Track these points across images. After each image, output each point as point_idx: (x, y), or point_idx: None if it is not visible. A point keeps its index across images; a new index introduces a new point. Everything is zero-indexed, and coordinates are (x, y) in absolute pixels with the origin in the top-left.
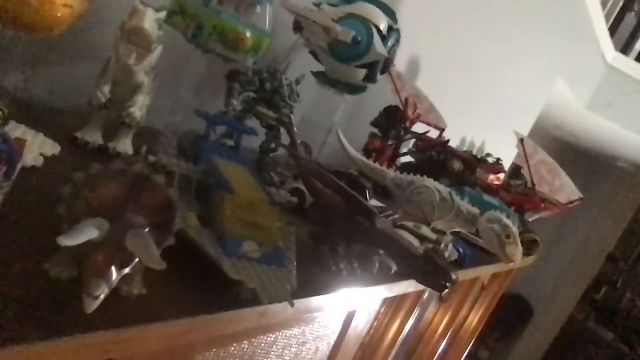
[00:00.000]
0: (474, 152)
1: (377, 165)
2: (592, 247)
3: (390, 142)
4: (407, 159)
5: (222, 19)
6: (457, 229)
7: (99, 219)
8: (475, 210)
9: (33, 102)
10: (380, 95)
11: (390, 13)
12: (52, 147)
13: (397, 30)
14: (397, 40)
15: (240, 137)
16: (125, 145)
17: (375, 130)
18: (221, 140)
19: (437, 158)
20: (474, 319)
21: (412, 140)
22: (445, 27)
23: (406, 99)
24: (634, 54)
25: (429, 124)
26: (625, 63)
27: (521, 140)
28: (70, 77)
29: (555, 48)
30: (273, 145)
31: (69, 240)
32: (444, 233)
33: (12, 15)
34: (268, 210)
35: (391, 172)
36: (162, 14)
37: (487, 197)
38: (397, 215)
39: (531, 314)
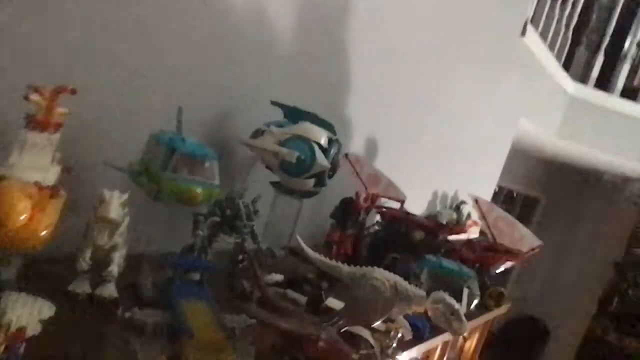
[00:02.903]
0: (449, 203)
1: (333, 262)
2: (598, 259)
3: (349, 232)
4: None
5: (177, 185)
6: (408, 312)
7: None
8: (422, 293)
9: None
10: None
11: (328, 127)
12: (48, 310)
13: (337, 140)
14: (339, 148)
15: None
16: (109, 290)
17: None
18: (188, 276)
19: (400, 230)
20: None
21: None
22: (405, 94)
23: (365, 188)
24: (592, 82)
25: (390, 199)
26: (586, 92)
27: (476, 201)
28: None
29: (515, 92)
30: (240, 257)
31: None
32: (393, 321)
33: None
34: (225, 346)
35: (346, 267)
36: (126, 195)
37: (446, 263)
38: (342, 322)
39: (547, 334)
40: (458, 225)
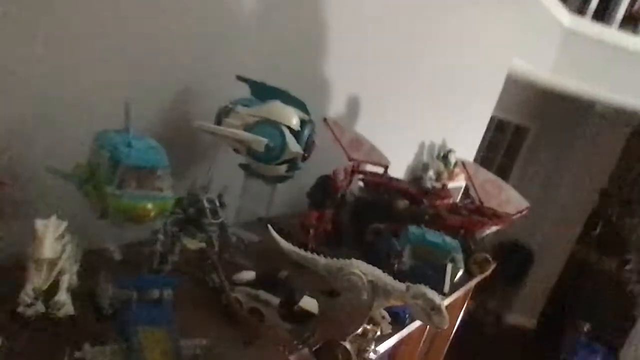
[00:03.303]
0: (437, 152)
1: (308, 254)
2: (585, 187)
3: (328, 211)
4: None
5: (123, 203)
6: (387, 305)
7: None
8: (402, 287)
9: None
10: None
11: (300, 106)
12: None
13: (310, 121)
14: (312, 129)
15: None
16: (65, 308)
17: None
18: (147, 294)
19: (383, 199)
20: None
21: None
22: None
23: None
24: (590, 13)
25: (373, 164)
26: (583, 24)
27: (462, 164)
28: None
29: (508, 30)
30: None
31: None
32: (375, 324)
33: None
34: None
35: (322, 260)
36: (64, 224)
37: (429, 236)
38: (315, 337)
39: (532, 259)
40: (442, 191)
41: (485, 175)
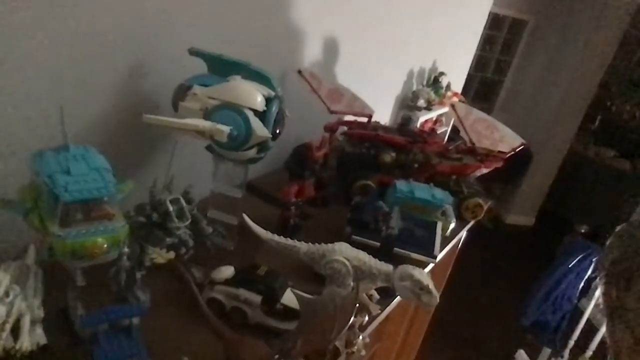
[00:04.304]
0: (427, 75)
1: (288, 241)
2: (583, 79)
3: (308, 181)
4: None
5: (68, 244)
6: (373, 288)
7: None
8: (388, 268)
9: None
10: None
11: (265, 81)
12: None
13: (277, 97)
14: (280, 103)
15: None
16: (36, 336)
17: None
18: (116, 323)
19: (369, 153)
20: None
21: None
22: None
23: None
24: None
25: (355, 114)
26: None
27: (452, 106)
28: None
29: None
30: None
31: None
32: (362, 310)
33: None
34: None
35: (304, 246)
36: (7, 277)
37: (418, 192)
38: (296, 348)
39: (530, 157)
40: (431, 136)
41: (476, 115)
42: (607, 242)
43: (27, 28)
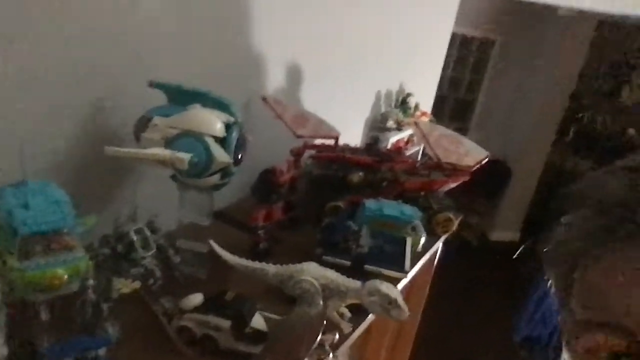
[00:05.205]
0: (395, 97)
1: (257, 264)
2: (555, 94)
3: (276, 205)
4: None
5: (28, 275)
6: (343, 305)
7: None
8: (356, 285)
9: None
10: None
11: (224, 107)
12: None
13: (236, 123)
14: (241, 129)
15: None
16: None
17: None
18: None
19: (337, 175)
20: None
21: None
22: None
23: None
24: None
25: (322, 137)
26: None
27: (415, 124)
28: None
29: None
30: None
31: None
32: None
33: None
34: None
35: (272, 268)
36: None
37: (387, 209)
38: None
39: (509, 173)
40: (399, 155)
41: (440, 131)
42: None
43: None
